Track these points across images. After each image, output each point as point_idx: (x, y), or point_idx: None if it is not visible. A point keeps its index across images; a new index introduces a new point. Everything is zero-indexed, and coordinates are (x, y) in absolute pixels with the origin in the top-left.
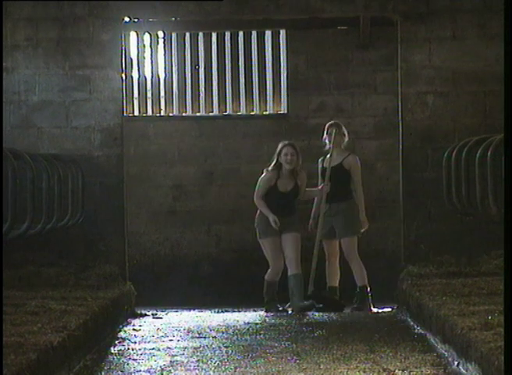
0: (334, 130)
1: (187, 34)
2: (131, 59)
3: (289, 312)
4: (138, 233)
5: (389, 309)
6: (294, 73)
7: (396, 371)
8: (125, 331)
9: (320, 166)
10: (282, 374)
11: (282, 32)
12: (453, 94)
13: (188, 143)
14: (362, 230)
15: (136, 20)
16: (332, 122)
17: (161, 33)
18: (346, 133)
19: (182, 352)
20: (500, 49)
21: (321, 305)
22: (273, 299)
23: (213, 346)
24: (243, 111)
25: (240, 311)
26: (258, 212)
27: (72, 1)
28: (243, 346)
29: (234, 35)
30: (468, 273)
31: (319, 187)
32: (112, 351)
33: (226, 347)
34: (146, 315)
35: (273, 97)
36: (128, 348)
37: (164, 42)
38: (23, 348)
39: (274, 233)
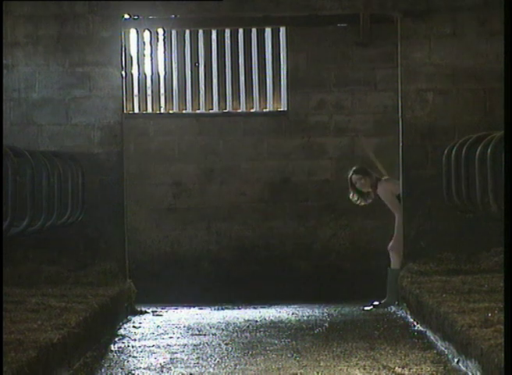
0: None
1: (187, 32)
2: (131, 57)
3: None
4: (138, 231)
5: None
6: (294, 70)
7: (396, 368)
8: (125, 328)
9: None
10: (282, 371)
11: (282, 29)
12: (453, 92)
13: (188, 140)
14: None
15: (136, 18)
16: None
17: (161, 31)
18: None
19: (182, 349)
20: (500, 46)
21: None
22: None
23: (213, 343)
24: (242, 108)
25: (239, 308)
26: None
27: (73, 1)
28: (243, 343)
29: (234, 33)
30: (468, 270)
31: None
32: (112, 349)
33: (226, 344)
34: (146, 312)
35: (273, 94)
36: (128, 346)
37: (164, 39)
38: (23, 345)
39: None
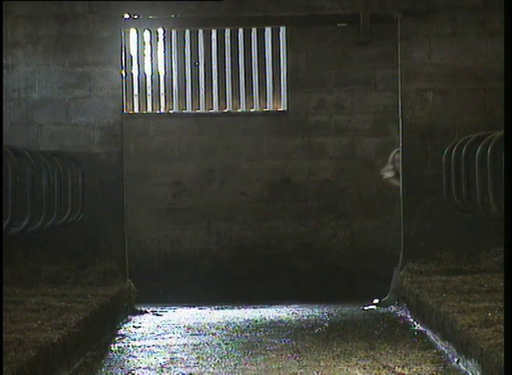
0: None
1: (187, 31)
2: (131, 56)
3: None
4: (138, 231)
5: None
6: (294, 70)
7: (396, 368)
8: (125, 328)
9: None
10: (282, 371)
11: (282, 29)
12: (453, 92)
13: (188, 140)
14: None
15: (136, 17)
16: None
17: (161, 31)
18: None
19: (182, 349)
20: (500, 46)
21: None
22: None
23: (213, 343)
24: (243, 108)
25: (239, 308)
26: None
27: (73, 1)
28: (242, 343)
29: (234, 32)
30: (468, 270)
31: None
32: (112, 348)
33: (226, 344)
34: (146, 312)
35: (273, 94)
36: (128, 345)
37: (164, 39)
38: (23, 345)
39: None
